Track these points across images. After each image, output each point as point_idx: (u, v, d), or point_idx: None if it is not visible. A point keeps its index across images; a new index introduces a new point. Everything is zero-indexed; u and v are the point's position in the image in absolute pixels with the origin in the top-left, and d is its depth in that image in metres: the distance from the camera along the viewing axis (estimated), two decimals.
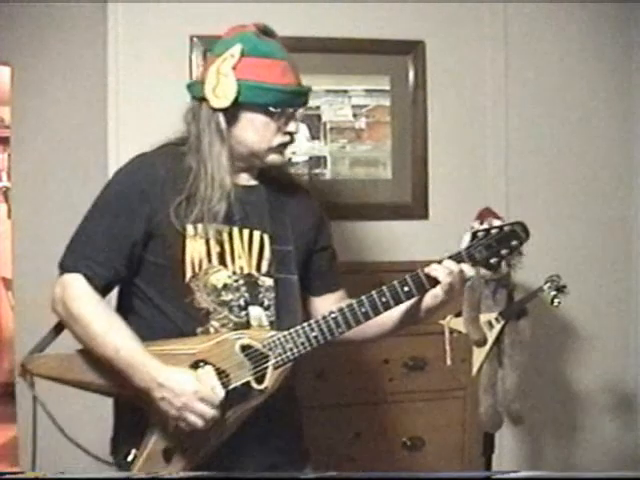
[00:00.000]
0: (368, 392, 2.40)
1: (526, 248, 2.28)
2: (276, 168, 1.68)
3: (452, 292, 1.57)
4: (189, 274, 1.57)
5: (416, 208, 2.69)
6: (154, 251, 1.58)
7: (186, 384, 1.45)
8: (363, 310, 1.55)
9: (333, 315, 1.55)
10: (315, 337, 1.54)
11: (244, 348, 1.53)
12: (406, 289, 1.55)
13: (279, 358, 1.54)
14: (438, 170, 2.70)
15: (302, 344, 1.54)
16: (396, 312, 1.63)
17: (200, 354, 1.51)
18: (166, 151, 1.64)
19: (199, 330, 1.57)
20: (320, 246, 1.75)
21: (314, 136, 2.62)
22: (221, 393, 1.47)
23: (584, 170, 2.83)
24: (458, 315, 2.28)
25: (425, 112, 2.69)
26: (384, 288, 1.55)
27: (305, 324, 1.55)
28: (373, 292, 1.55)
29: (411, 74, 2.67)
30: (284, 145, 1.62)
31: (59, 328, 1.62)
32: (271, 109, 1.57)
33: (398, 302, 1.56)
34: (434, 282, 1.56)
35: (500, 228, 1.61)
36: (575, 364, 2.84)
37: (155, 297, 1.60)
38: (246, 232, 1.62)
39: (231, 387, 1.51)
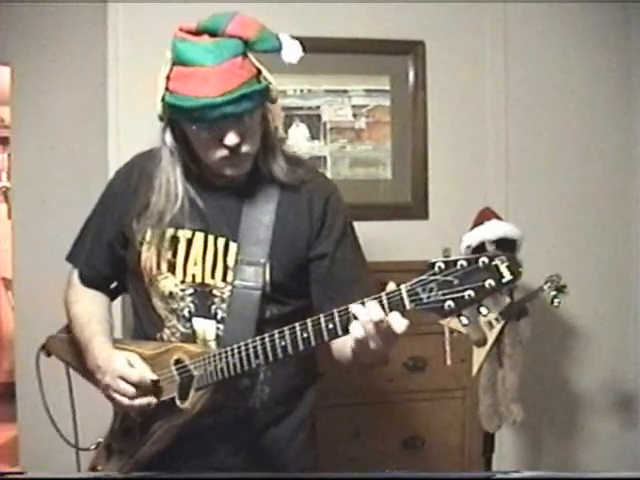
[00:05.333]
0: (368, 392, 2.40)
1: (526, 248, 2.32)
2: (269, 167, 1.52)
3: (366, 347, 1.25)
4: (146, 279, 1.55)
5: (416, 208, 2.69)
6: (128, 253, 1.58)
7: (110, 363, 1.45)
8: (282, 344, 1.34)
9: (254, 344, 1.37)
10: (234, 365, 1.39)
11: (177, 362, 1.46)
12: (330, 326, 1.29)
13: (200, 380, 1.43)
14: (438, 170, 2.71)
15: (221, 370, 1.41)
16: (347, 347, 1.37)
17: (148, 359, 1.48)
18: (152, 153, 1.57)
19: (157, 335, 1.55)
20: (315, 254, 1.55)
21: (314, 136, 2.62)
22: (150, 376, 1.44)
23: (584, 170, 2.83)
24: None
25: (425, 112, 2.69)
26: (308, 322, 1.32)
27: (229, 348, 1.40)
28: (297, 325, 1.33)
29: (411, 74, 2.68)
30: (230, 158, 1.44)
31: None
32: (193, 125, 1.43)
33: (321, 339, 1.31)
34: None
35: (473, 259, 1.14)
36: (575, 364, 2.84)
37: (134, 297, 1.64)
38: (211, 238, 1.52)
39: (160, 399, 1.45)
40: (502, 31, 2.74)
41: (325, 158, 2.63)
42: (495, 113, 2.75)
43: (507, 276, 1.12)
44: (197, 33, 1.41)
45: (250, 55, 1.43)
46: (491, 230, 2.29)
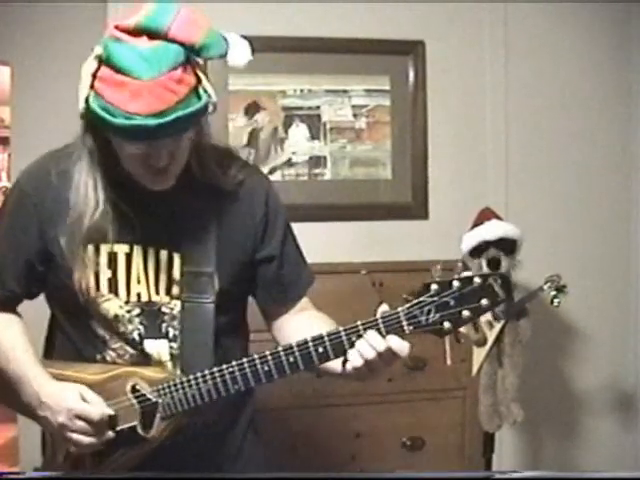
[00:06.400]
0: (368, 392, 2.40)
1: (526, 248, 2.31)
2: (204, 167, 1.38)
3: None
4: (82, 299, 1.38)
5: (416, 208, 2.69)
6: (53, 270, 1.41)
7: (64, 401, 1.31)
8: (265, 369, 1.28)
9: (231, 369, 1.29)
10: (208, 391, 1.31)
11: (134, 389, 1.35)
12: (320, 350, 1.25)
13: (167, 409, 1.33)
14: (438, 170, 2.70)
15: (192, 397, 1.31)
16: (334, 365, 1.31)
17: (93, 386, 1.36)
18: (68, 152, 1.38)
19: (98, 357, 1.42)
20: (263, 257, 1.47)
21: (314, 136, 2.62)
22: (107, 410, 1.33)
23: (584, 170, 2.83)
24: None
25: (425, 112, 2.69)
26: (294, 345, 1.27)
27: (199, 374, 1.31)
28: (280, 348, 1.28)
29: (411, 74, 2.67)
30: (156, 175, 1.30)
31: None
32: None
33: (310, 364, 1.26)
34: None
35: (467, 280, 1.19)
36: (575, 364, 2.84)
37: (60, 317, 1.48)
38: (151, 251, 1.38)
39: (118, 429, 1.35)
40: (502, 31, 2.74)
41: (325, 158, 2.63)
42: (495, 113, 2.74)
43: (501, 295, 1.19)
44: (135, 32, 1.22)
45: (192, 61, 1.26)
46: (491, 230, 2.29)
